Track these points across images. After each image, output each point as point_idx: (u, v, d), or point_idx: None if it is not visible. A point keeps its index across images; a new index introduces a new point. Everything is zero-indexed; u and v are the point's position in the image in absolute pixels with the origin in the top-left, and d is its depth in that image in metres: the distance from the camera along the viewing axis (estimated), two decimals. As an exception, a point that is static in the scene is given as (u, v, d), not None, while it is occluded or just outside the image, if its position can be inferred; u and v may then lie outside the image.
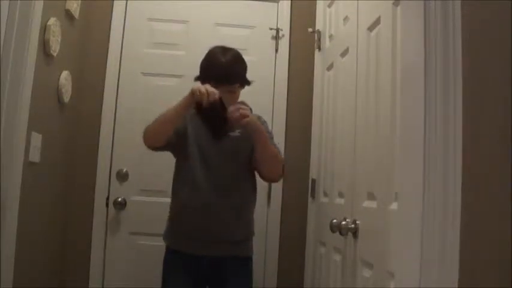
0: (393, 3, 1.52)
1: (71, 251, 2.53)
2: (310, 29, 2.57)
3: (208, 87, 1.74)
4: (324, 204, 2.24)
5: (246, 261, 1.97)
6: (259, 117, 2.02)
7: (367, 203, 1.65)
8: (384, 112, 1.56)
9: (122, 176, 2.60)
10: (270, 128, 2.12)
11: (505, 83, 1.01)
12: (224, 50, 1.92)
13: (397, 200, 1.26)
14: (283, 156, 2.09)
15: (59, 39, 2.12)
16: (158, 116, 1.84)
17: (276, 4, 2.77)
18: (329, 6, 2.40)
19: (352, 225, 1.72)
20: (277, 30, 2.73)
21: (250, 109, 2.03)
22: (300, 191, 2.57)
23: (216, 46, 1.96)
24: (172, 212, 1.99)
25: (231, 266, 1.91)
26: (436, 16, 1.08)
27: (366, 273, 1.59)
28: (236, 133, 1.94)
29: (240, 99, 2.03)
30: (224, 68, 1.87)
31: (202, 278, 1.92)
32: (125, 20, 2.67)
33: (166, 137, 1.86)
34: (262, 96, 2.69)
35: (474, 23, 1.06)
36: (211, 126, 1.92)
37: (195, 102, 1.77)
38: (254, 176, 2.01)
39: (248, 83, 1.99)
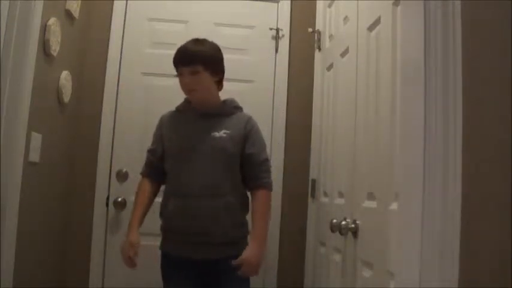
0: (393, 3, 1.52)
1: (71, 251, 2.53)
2: (310, 29, 2.57)
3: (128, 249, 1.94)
4: (324, 204, 2.24)
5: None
6: (249, 119, 1.94)
7: (367, 203, 1.65)
8: (383, 112, 1.56)
9: (122, 176, 2.59)
10: (261, 133, 1.96)
11: (505, 83, 1.01)
12: (196, 40, 1.93)
13: (397, 200, 1.26)
14: (271, 163, 1.98)
15: (59, 39, 2.12)
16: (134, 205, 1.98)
17: (276, 4, 2.77)
18: (329, 6, 2.40)
19: (352, 225, 1.72)
20: (277, 30, 2.73)
21: (241, 107, 2.01)
22: (300, 191, 2.57)
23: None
24: (162, 216, 1.94)
25: (226, 266, 1.81)
26: (436, 16, 1.08)
27: (366, 273, 1.60)
28: (221, 133, 1.88)
29: (239, 99, 2.03)
30: (185, 50, 1.88)
31: (199, 280, 1.86)
32: (124, 20, 2.67)
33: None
34: (262, 96, 2.69)
35: (474, 23, 1.06)
36: None
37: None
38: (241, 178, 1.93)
39: (217, 69, 1.92)
